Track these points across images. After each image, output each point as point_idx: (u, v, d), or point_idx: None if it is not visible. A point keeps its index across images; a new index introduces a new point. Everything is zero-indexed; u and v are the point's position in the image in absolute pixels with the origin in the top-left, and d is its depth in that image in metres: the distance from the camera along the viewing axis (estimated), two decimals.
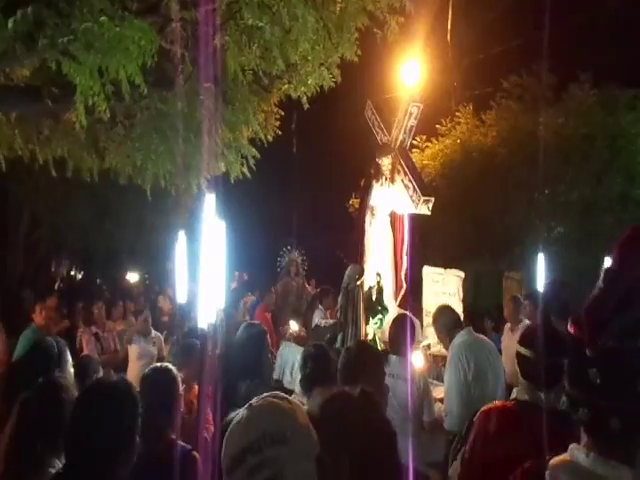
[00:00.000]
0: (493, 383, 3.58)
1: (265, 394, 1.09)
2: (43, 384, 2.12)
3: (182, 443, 2.20)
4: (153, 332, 6.16)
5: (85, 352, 5.92)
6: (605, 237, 8.29)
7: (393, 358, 3.68)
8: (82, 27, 3.28)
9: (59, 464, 1.89)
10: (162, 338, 6.32)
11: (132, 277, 14.57)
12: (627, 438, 1.12)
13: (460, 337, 3.76)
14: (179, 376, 2.46)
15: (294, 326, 6.32)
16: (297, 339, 6.05)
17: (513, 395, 2.00)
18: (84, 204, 12.09)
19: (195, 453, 2.15)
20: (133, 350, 5.85)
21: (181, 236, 4.52)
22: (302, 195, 18.37)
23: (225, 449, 1.03)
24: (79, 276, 18.39)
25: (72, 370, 3.05)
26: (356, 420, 1.16)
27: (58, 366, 2.76)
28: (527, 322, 5.32)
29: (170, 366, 2.51)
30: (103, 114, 3.94)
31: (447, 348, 3.88)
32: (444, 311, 4.05)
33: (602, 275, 1.19)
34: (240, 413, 1.06)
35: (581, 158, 9.86)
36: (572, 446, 1.18)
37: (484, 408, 2.02)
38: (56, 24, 3.43)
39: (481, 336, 3.93)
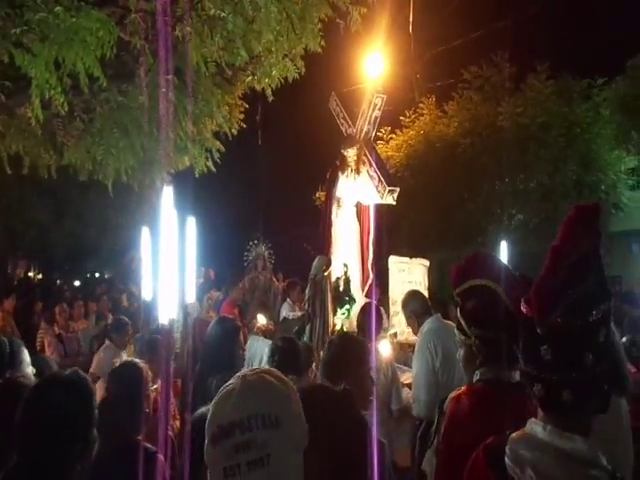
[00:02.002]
0: (460, 369, 3.65)
1: (260, 368, 1.06)
2: (2, 384, 2.04)
3: (147, 445, 2.13)
4: None
5: (47, 353, 5.75)
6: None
7: None
8: (36, 17, 3.16)
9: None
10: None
11: (94, 276, 14.20)
12: (579, 410, 1.18)
13: (428, 324, 3.82)
14: (149, 373, 2.39)
15: (262, 320, 6.30)
16: (265, 332, 6.04)
17: (476, 377, 2.00)
18: (42, 203, 11.68)
19: (160, 456, 2.07)
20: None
21: (145, 232, 4.43)
22: (268, 189, 18.27)
23: (213, 416, 0.99)
24: (38, 277, 17.78)
25: (29, 370, 2.96)
26: (333, 416, 1.13)
27: (10, 367, 2.66)
28: None
29: (138, 362, 2.45)
30: (60, 108, 3.81)
31: (416, 333, 3.93)
32: (414, 297, 4.09)
33: (548, 254, 1.23)
34: (232, 383, 1.02)
35: (539, 146, 10.17)
36: (530, 420, 1.23)
37: (452, 394, 2.02)
38: (7, 14, 3.29)
39: (449, 323, 4.00)
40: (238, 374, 1.05)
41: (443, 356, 3.64)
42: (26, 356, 2.93)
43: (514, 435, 1.22)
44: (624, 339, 5.04)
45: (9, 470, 1.51)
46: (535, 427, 1.20)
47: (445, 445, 1.87)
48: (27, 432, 1.51)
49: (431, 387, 3.63)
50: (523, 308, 1.22)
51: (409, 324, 4.20)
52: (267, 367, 1.11)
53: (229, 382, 1.03)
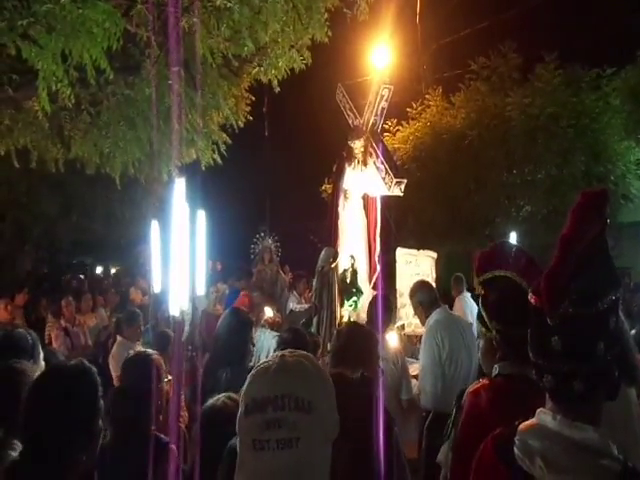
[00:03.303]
0: (467, 361, 3.64)
1: (300, 352, 1.06)
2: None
3: (160, 435, 2.15)
4: None
5: (54, 347, 5.79)
6: None
7: None
8: (43, 9, 3.15)
9: (19, 445, 1.86)
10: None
11: (102, 270, 14.29)
12: (590, 399, 1.17)
13: (435, 315, 3.82)
14: (162, 364, 2.39)
15: (269, 312, 6.32)
16: (272, 325, 6.06)
17: (495, 371, 1.97)
18: (50, 196, 11.72)
19: (172, 446, 2.10)
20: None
21: (154, 226, 4.44)
22: (275, 181, 18.24)
23: (248, 389, 1.00)
24: (45, 270, 17.92)
25: (42, 363, 2.99)
26: (354, 404, 1.13)
27: (32, 358, 2.70)
28: None
29: (152, 352, 2.44)
30: (67, 101, 3.82)
31: (423, 324, 3.93)
32: (422, 287, 4.08)
33: (558, 243, 1.21)
34: (270, 360, 1.03)
35: (547, 137, 10.08)
36: (539, 410, 1.22)
37: (471, 388, 1.98)
38: (14, 6, 3.28)
39: (456, 315, 3.99)
40: (277, 353, 1.06)
41: (450, 348, 3.64)
42: (41, 349, 2.98)
43: (523, 425, 1.21)
44: (633, 331, 5.03)
45: (13, 460, 1.53)
46: (544, 417, 1.19)
47: (463, 439, 1.85)
48: (32, 421, 1.51)
49: (437, 379, 3.63)
50: (532, 299, 1.20)
51: (416, 314, 4.19)
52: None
53: (267, 359, 1.06)
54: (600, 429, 1.16)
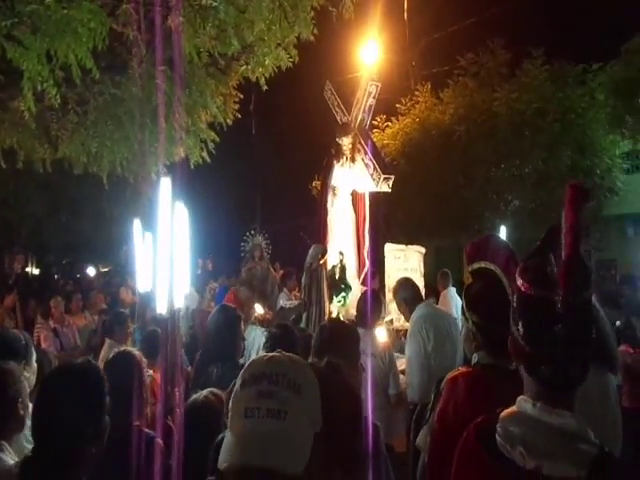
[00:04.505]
0: (452, 353, 3.69)
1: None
2: None
3: (146, 430, 2.20)
4: None
5: (43, 347, 5.77)
6: (558, 208, 8.63)
7: (361, 332, 3.75)
8: (27, 9, 3.14)
9: (7, 446, 1.91)
10: None
11: (92, 270, 14.20)
12: (574, 386, 1.21)
13: (420, 310, 3.87)
14: (144, 361, 2.43)
15: (259, 309, 6.35)
16: (262, 322, 6.08)
17: (475, 360, 2.03)
18: (38, 196, 11.63)
19: (159, 440, 2.15)
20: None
21: (137, 225, 4.44)
22: (265, 179, 18.23)
23: (247, 367, 1.09)
24: (35, 271, 17.77)
25: (35, 364, 3.00)
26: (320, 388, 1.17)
27: (25, 359, 2.71)
28: None
29: (135, 351, 2.49)
30: (54, 101, 3.80)
31: (408, 320, 3.98)
32: (405, 284, 4.14)
33: (567, 231, 1.25)
34: (264, 354, 1.14)
35: (534, 132, 10.17)
36: (520, 398, 1.25)
37: (450, 375, 2.03)
38: None
39: (440, 308, 4.05)
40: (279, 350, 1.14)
41: (435, 340, 3.69)
42: (34, 350, 3.00)
43: (504, 413, 1.25)
44: (618, 322, 5.12)
45: (26, 457, 1.60)
46: (525, 405, 1.22)
47: (439, 423, 1.90)
48: (43, 420, 1.58)
49: (424, 371, 3.69)
50: (529, 290, 1.22)
51: (400, 311, 4.24)
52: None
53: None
54: (577, 416, 1.19)
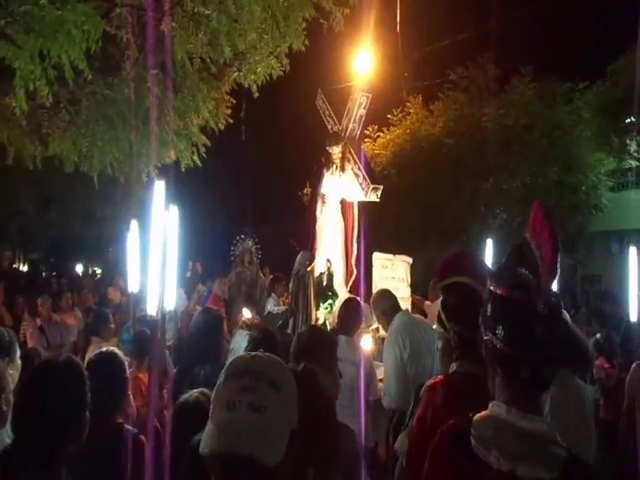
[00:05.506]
0: (429, 361, 3.73)
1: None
2: None
3: (129, 427, 2.22)
4: None
5: (29, 345, 5.75)
6: None
7: (342, 340, 3.78)
8: (21, 9, 3.18)
9: None
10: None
11: (80, 268, 14.13)
12: (545, 388, 1.27)
13: (397, 319, 3.91)
14: (126, 360, 2.46)
15: (247, 314, 6.37)
16: (250, 326, 6.10)
17: (452, 369, 2.08)
18: (28, 193, 11.57)
19: (142, 437, 2.17)
20: None
21: (133, 226, 4.48)
22: (256, 184, 18.27)
23: (231, 364, 1.14)
24: (23, 268, 17.63)
25: (19, 361, 3.02)
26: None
27: (8, 355, 2.73)
28: None
29: (116, 350, 2.51)
30: (45, 99, 3.83)
31: (386, 331, 4.02)
32: (382, 296, 4.18)
33: (548, 238, 1.33)
34: (245, 354, 1.20)
35: (522, 148, 10.33)
36: (492, 403, 1.30)
37: (429, 382, 2.09)
38: None
39: (417, 316, 4.09)
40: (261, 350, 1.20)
41: (412, 349, 3.73)
42: (17, 347, 3.02)
43: (477, 417, 1.29)
44: (598, 335, 5.22)
45: (4, 449, 1.61)
46: (498, 410, 1.26)
47: (418, 429, 1.95)
48: (24, 414, 1.60)
49: (401, 379, 3.72)
50: (514, 294, 1.26)
51: (379, 322, 4.28)
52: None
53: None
54: (543, 418, 1.26)
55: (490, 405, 1.30)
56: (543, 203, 1.43)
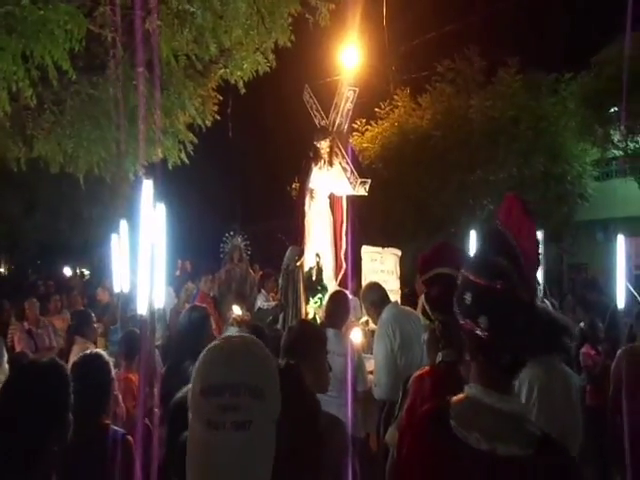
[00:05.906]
0: (418, 352, 3.73)
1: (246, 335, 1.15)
2: None
3: (116, 427, 2.22)
4: None
5: (17, 349, 5.72)
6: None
7: (330, 333, 3.79)
8: (2, 10, 3.14)
9: None
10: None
11: (68, 270, 14.02)
12: (518, 372, 1.33)
13: (387, 311, 3.94)
14: (111, 361, 2.46)
15: (237, 310, 6.38)
16: (240, 323, 6.12)
17: (439, 359, 2.12)
18: (13, 195, 11.42)
19: (129, 437, 2.17)
20: None
21: (123, 225, 4.46)
22: (245, 181, 18.23)
23: (206, 372, 1.06)
24: (9, 272, 17.44)
25: (6, 365, 3.01)
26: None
27: None
28: None
29: (101, 352, 2.51)
30: (29, 100, 3.80)
31: (376, 323, 4.05)
32: (371, 288, 4.20)
33: (528, 231, 1.37)
34: (219, 344, 1.10)
35: (508, 139, 10.41)
36: (468, 386, 1.34)
37: (416, 373, 2.15)
38: None
39: (407, 308, 4.12)
40: (222, 336, 1.14)
41: (402, 340, 3.77)
42: (4, 351, 3.00)
43: (455, 399, 1.33)
44: (582, 323, 5.31)
45: None
46: (476, 392, 1.31)
47: (407, 419, 1.98)
48: (6, 416, 1.59)
49: (391, 370, 3.75)
50: (497, 285, 1.29)
51: (369, 315, 4.30)
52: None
53: (215, 342, 1.11)
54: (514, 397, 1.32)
55: (466, 388, 1.34)
56: (518, 196, 1.45)
